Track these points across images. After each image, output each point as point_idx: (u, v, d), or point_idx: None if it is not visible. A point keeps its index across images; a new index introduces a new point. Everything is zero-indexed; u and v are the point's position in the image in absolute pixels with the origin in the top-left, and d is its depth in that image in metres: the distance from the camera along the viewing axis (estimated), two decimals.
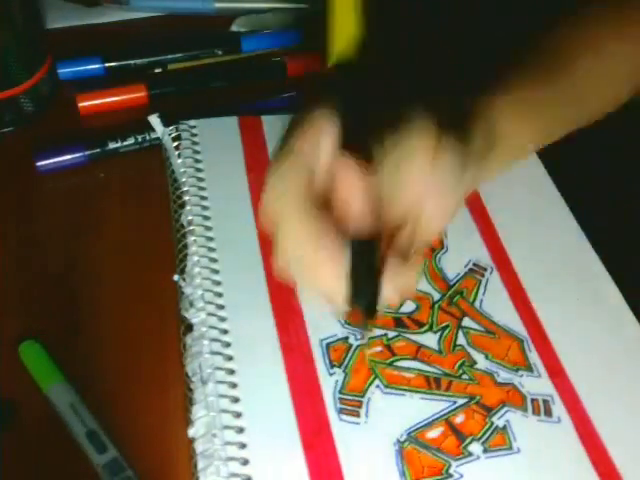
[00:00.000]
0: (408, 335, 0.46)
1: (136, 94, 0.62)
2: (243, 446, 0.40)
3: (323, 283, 0.35)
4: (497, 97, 0.40)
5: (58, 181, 0.56)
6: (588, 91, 0.45)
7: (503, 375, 0.44)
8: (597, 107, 0.47)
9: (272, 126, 0.57)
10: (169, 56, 0.66)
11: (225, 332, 0.45)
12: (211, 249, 0.49)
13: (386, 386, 0.43)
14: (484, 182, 0.41)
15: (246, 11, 0.71)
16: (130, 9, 0.71)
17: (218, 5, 0.71)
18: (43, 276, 0.50)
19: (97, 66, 0.65)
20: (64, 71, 0.64)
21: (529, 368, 0.45)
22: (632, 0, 0.48)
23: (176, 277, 0.48)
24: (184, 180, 0.53)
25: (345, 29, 0.35)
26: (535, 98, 0.42)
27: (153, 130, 0.57)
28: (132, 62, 0.65)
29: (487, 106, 0.39)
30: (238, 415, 0.42)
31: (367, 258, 0.35)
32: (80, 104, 0.61)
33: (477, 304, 0.48)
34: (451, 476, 0.40)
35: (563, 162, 0.54)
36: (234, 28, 0.69)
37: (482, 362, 0.45)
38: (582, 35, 0.46)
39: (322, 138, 0.35)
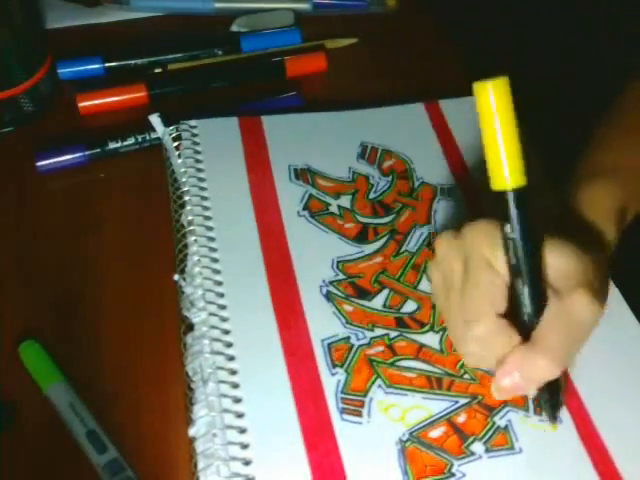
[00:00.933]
0: (409, 335, 0.46)
1: (136, 94, 0.62)
2: (245, 446, 0.40)
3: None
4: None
5: (58, 181, 0.56)
6: None
7: None
8: None
9: (272, 126, 0.57)
10: (169, 56, 0.66)
11: (227, 332, 0.45)
12: (212, 249, 0.49)
13: (388, 386, 0.43)
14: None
15: (246, 11, 0.71)
16: (130, 9, 0.71)
17: (218, 5, 0.71)
18: (43, 276, 0.50)
19: (97, 66, 0.65)
20: (64, 71, 0.64)
21: None
22: None
23: (176, 277, 0.48)
24: (184, 180, 0.53)
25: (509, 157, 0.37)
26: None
27: (153, 130, 0.57)
28: (132, 62, 0.65)
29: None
30: (240, 415, 0.41)
31: None
32: (80, 104, 0.61)
33: None
34: (453, 475, 0.40)
35: (562, 161, 0.54)
36: (234, 28, 0.70)
37: None
38: None
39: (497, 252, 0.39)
